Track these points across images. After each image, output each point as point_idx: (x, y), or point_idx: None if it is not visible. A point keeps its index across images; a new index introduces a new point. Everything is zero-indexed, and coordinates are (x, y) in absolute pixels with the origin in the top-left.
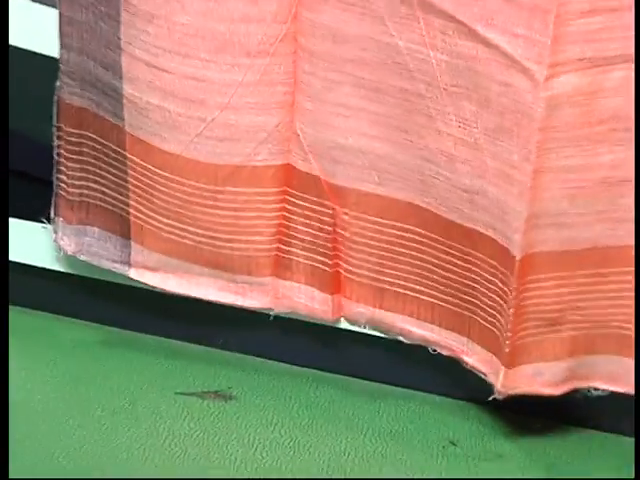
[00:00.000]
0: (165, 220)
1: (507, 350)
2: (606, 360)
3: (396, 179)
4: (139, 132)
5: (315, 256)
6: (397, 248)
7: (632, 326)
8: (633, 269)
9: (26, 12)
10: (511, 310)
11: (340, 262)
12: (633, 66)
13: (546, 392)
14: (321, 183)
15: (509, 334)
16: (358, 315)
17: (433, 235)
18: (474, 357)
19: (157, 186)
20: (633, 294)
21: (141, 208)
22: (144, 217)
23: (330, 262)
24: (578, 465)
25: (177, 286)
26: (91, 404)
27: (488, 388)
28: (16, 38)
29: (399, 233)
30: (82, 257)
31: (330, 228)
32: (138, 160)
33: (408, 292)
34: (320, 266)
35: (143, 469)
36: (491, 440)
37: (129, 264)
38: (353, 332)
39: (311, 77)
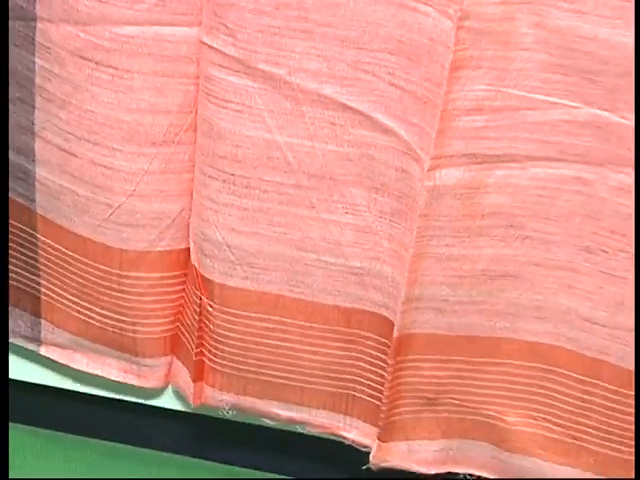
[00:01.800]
0: (74, 299)
1: (381, 424)
2: (479, 447)
3: (264, 272)
4: (51, 215)
5: (190, 341)
6: (262, 340)
7: (507, 418)
8: (510, 361)
9: None
10: (387, 385)
11: (204, 351)
12: (517, 166)
13: (419, 470)
14: (195, 272)
15: (385, 408)
16: (222, 402)
17: (305, 323)
18: (354, 432)
19: (68, 267)
20: (507, 386)
21: (52, 287)
22: (55, 296)
23: (195, 350)
24: None
25: (84, 365)
26: None
27: None
28: None
29: (265, 325)
30: None
31: (197, 317)
32: (50, 242)
33: (273, 379)
34: (191, 352)
35: None
36: None
37: (40, 341)
38: None
39: (195, 169)
